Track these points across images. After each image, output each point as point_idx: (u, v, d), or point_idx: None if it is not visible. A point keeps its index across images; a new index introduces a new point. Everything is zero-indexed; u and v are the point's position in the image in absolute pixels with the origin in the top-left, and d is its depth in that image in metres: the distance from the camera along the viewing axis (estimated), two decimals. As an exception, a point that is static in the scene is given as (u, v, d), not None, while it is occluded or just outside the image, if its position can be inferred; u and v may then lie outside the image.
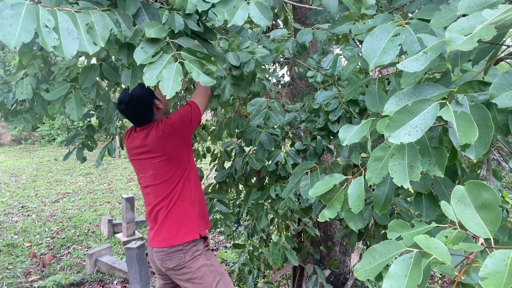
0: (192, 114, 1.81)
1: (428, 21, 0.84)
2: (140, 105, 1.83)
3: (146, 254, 2.05)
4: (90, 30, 0.93)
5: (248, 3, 1.05)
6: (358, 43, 1.50)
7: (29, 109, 1.78)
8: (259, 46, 1.64)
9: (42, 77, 1.66)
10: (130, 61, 1.17)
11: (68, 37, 0.87)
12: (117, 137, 2.45)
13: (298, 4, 1.83)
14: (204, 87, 1.89)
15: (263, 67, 1.65)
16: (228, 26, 1.03)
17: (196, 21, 1.17)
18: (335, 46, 2.68)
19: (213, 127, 2.80)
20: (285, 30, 1.75)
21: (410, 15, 1.06)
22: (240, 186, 2.39)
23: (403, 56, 0.90)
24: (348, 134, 0.94)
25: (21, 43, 0.79)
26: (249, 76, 1.69)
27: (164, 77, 0.98)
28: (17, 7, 0.81)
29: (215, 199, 2.19)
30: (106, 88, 1.94)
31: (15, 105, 1.78)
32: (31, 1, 0.84)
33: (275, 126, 2.00)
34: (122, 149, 2.16)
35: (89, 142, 2.21)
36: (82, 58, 1.80)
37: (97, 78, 1.47)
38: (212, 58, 1.06)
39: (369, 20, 1.10)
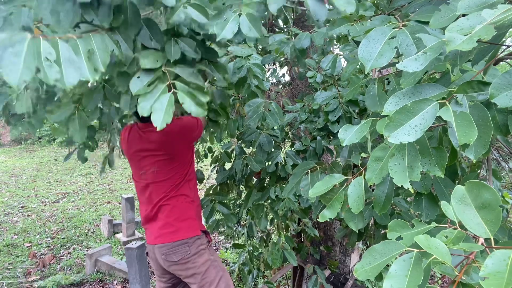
0: (197, 128, 1.88)
1: (426, 23, 0.84)
2: None
3: (147, 253, 2.05)
4: (91, 56, 0.93)
5: (240, 15, 1.05)
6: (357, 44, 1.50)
7: (32, 114, 1.76)
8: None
9: (43, 91, 1.64)
10: (126, 89, 1.17)
11: (70, 67, 0.87)
12: (117, 143, 2.43)
13: (298, 7, 1.83)
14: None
15: (256, 74, 1.66)
16: (217, 39, 1.04)
17: (194, 48, 1.18)
18: (335, 46, 2.68)
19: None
20: (284, 35, 1.74)
21: (410, 15, 1.06)
22: (241, 187, 2.39)
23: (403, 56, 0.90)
24: (348, 134, 0.94)
25: (23, 81, 0.79)
26: (239, 81, 1.71)
27: (156, 109, 0.99)
28: (19, 44, 0.80)
29: (216, 201, 2.20)
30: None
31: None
32: (33, 35, 0.84)
33: (275, 127, 2.00)
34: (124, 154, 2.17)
35: (90, 143, 2.20)
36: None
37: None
38: (205, 89, 1.09)
39: (368, 22, 1.10)
